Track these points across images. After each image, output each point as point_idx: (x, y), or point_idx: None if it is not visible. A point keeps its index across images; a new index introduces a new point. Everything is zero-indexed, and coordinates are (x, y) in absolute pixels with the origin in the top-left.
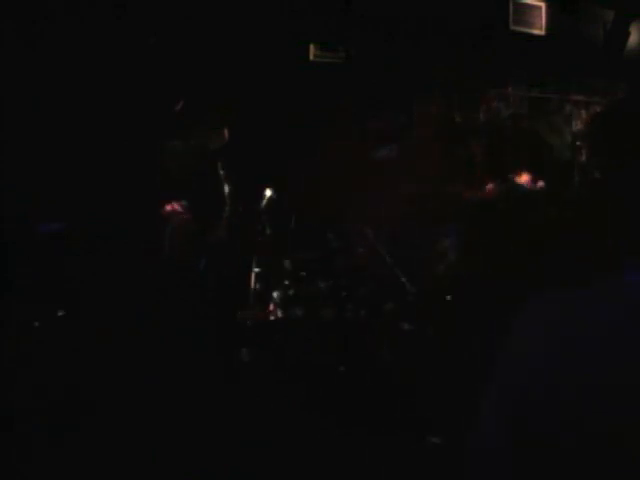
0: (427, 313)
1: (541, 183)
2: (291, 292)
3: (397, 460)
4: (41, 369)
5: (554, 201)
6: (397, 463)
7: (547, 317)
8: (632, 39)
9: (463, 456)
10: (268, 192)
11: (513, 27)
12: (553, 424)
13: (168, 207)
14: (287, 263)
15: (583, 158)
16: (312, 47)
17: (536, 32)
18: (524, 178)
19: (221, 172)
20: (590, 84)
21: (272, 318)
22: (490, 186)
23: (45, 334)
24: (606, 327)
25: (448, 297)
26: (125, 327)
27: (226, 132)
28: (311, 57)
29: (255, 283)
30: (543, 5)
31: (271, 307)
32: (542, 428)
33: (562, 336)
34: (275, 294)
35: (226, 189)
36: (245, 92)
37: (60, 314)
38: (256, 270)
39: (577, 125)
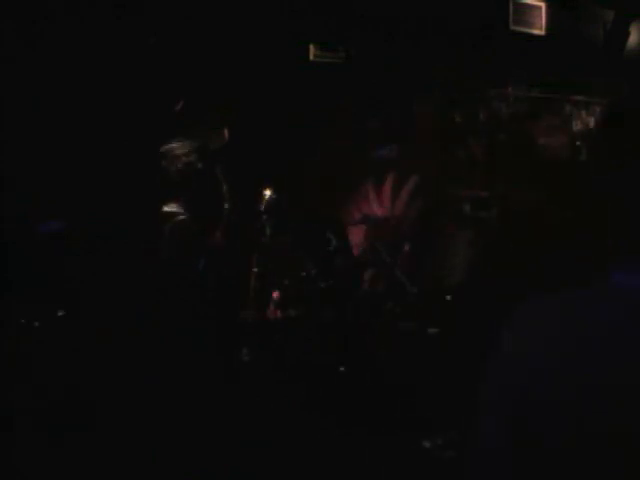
0: (427, 313)
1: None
2: (291, 292)
3: (397, 460)
4: (41, 369)
5: (555, 201)
6: (397, 463)
7: (547, 317)
8: (632, 39)
9: (463, 456)
10: (268, 192)
11: (513, 27)
12: (553, 424)
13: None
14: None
15: (583, 158)
16: (312, 47)
17: (536, 32)
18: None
19: (220, 172)
20: (590, 84)
21: (272, 318)
22: None
23: (45, 334)
24: (606, 327)
25: (448, 297)
26: (125, 327)
27: (226, 132)
28: (311, 57)
29: (255, 283)
30: (543, 5)
31: (271, 307)
32: (542, 428)
33: (562, 336)
34: (275, 294)
35: (225, 189)
36: (245, 92)
37: (60, 314)
38: (256, 270)
39: (577, 125)
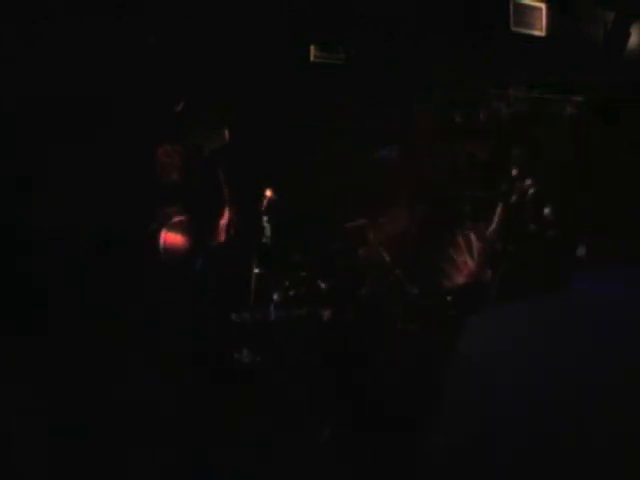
0: (427, 313)
1: None
2: (291, 292)
3: (397, 460)
4: (42, 369)
5: (554, 201)
6: (397, 463)
7: (546, 317)
8: (632, 39)
9: (462, 457)
10: (268, 192)
11: (513, 28)
12: (553, 424)
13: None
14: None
15: (582, 158)
16: (312, 48)
17: (536, 33)
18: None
19: (221, 172)
20: (590, 85)
21: (272, 318)
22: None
23: (45, 334)
24: (606, 327)
25: (448, 297)
26: (125, 327)
27: (226, 132)
28: (311, 58)
29: (255, 283)
30: (543, 6)
31: (271, 307)
32: (542, 428)
33: (561, 336)
34: (275, 294)
35: (226, 189)
36: (245, 92)
37: (62, 312)
38: (256, 270)
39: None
